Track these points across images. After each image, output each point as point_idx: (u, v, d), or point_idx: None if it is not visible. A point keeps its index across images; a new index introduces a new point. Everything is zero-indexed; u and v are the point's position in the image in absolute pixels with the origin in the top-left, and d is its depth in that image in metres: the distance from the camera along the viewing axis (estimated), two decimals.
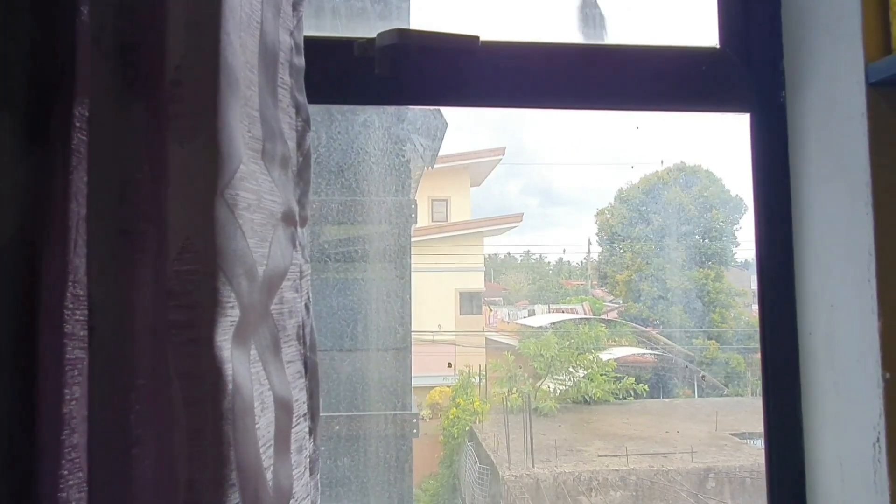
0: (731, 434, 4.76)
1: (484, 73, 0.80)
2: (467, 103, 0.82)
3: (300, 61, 0.59)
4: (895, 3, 0.70)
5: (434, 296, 5.52)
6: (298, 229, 0.57)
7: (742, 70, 0.84)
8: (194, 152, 0.45)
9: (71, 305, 0.50)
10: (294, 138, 0.57)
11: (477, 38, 0.78)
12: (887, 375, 0.68)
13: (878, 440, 0.68)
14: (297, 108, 0.58)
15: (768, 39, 0.84)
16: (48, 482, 0.45)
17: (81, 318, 0.51)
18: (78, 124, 0.52)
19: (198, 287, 0.44)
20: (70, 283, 0.50)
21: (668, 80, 0.83)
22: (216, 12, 0.46)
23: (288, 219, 0.55)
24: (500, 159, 6.49)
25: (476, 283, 6.02)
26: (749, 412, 5.10)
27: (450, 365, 5.01)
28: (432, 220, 6.01)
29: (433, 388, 4.98)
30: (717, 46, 0.85)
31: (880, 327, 0.68)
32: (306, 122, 0.59)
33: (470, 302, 5.90)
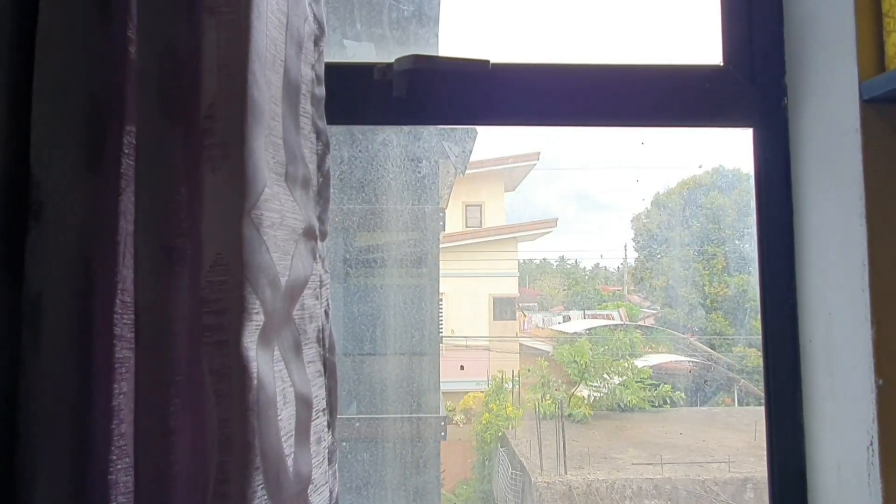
0: None
1: (495, 94, 0.86)
2: (480, 122, 0.88)
3: (321, 91, 0.65)
4: (888, 23, 0.73)
5: (467, 301, 5.55)
6: (318, 243, 0.63)
7: (745, 87, 0.87)
8: (224, 178, 0.52)
9: (120, 311, 0.58)
10: (315, 161, 0.63)
11: (487, 61, 0.83)
12: (880, 382, 0.70)
13: (871, 443, 0.71)
14: (318, 134, 0.64)
15: (771, 57, 0.87)
16: (99, 466, 0.51)
17: (129, 321, 0.58)
18: (126, 151, 0.59)
19: (227, 295, 0.50)
20: (119, 291, 0.58)
21: (673, 98, 0.87)
22: (244, 55, 0.52)
23: (309, 234, 0.61)
24: (535, 164, 6.48)
25: (510, 288, 6.02)
26: None
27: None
28: (466, 226, 6.05)
29: (467, 393, 5.01)
30: (721, 64, 0.89)
31: (873, 335, 0.71)
32: (326, 146, 0.65)
33: (504, 307, 5.91)
